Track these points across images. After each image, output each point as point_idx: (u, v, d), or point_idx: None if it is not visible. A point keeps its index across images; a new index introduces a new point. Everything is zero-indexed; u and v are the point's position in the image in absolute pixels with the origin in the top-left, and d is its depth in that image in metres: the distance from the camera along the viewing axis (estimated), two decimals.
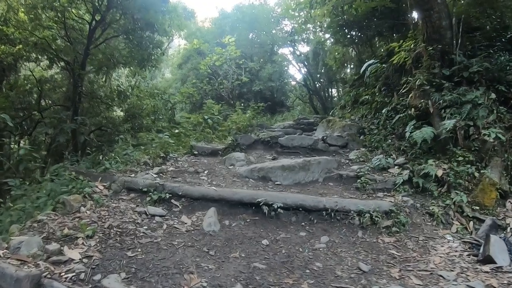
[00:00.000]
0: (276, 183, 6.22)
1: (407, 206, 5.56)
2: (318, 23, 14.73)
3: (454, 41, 7.50)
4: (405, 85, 7.76)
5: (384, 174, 6.65)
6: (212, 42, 18.07)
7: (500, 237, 4.65)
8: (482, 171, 5.92)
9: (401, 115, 7.59)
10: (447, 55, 7.48)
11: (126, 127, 12.76)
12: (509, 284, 3.74)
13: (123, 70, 14.59)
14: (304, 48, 22.17)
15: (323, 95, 21.32)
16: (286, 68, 22.18)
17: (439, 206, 5.63)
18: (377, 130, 8.51)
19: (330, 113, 14.27)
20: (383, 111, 8.53)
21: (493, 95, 6.63)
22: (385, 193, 6.06)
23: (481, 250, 4.45)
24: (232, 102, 14.77)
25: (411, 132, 6.92)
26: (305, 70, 21.70)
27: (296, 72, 23.20)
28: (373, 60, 9.17)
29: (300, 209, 5.15)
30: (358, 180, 6.34)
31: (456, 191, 5.81)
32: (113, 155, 7.17)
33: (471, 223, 5.39)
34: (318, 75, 21.40)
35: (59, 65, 11.80)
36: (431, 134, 6.52)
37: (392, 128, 8.02)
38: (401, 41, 8.24)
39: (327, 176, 6.62)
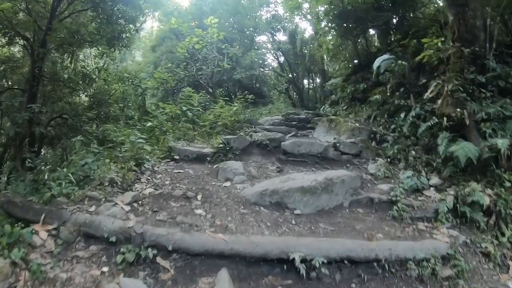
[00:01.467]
0: (296, 212, 4.89)
1: (459, 244, 4.67)
2: (311, 10, 13.64)
3: (487, 45, 6.57)
4: (432, 89, 6.64)
5: (420, 198, 5.57)
6: (191, 24, 16.26)
7: None
8: None
9: (430, 123, 6.47)
10: (479, 59, 6.52)
11: (91, 115, 10.92)
12: None
13: (91, 50, 12.57)
14: (283, 37, 21.53)
15: (300, 87, 20.51)
16: (265, 56, 21.23)
17: (492, 243, 4.78)
18: (395, 137, 7.40)
19: (322, 109, 13.20)
20: (402, 115, 7.42)
21: None
22: (426, 224, 5.07)
23: None
24: (211, 90, 13.24)
25: (446, 146, 5.94)
26: (283, 59, 20.99)
27: (273, 61, 22.36)
28: (388, 55, 7.98)
29: (346, 261, 3.89)
30: (394, 207, 5.23)
31: (506, 223, 5.06)
32: (64, 171, 4.90)
33: None
34: (296, 66, 20.65)
35: (18, 42, 9.88)
36: (475, 152, 5.51)
37: (416, 137, 6.93)
38: (433, 38, 7.08)
39: (354, 200, 5.42)
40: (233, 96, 16.39)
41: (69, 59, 11.08)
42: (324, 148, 7.13)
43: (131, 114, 11.76)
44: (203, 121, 9.19)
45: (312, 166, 6.78)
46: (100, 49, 11.34)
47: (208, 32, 12.77)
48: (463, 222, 5.16)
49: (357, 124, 8.16)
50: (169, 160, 6.64)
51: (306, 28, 21.47)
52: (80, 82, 10.74)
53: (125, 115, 11.44)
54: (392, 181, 6.14)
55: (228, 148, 6.99)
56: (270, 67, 20.80)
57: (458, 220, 5.17)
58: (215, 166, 6.38)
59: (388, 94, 8.26)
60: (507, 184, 5.29)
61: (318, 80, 21.27)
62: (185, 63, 13.95)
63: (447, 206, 5.16)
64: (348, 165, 6.91)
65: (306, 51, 20.38)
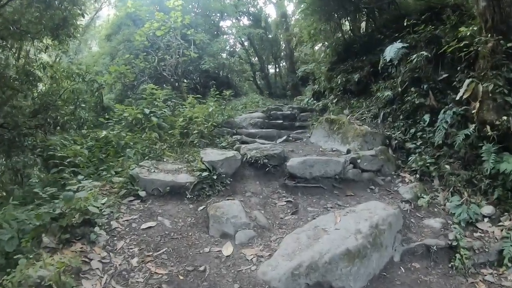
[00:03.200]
0: None
1: None
2: None
3: None
4: (466, 88, 5.53)
5: (476, 235, 4.58)
6: (150, 8, 14.35)
7: None
8: None
9: (468, 132, 5.37)
10: None
11: (35, 124, 8.95)
12: None
13: (39, 43, 10.41)
14: (247, 22, 20.13)
15: (267, 73, 19.53)
16: (232, 43, 19.77)
17: None
18: (419, 145, 6.22)
19: (306, 102, 11.87)
20: (425, 118, 6.26)
21: None
22: (490, 270, 4.23)
23: None
24: (177, 84, 11.58)
25: (494, 163, 4.93)
26: (249, 45, 19.87)
27: (239, 48, 20.89)
28: (401, 44, 6.73)
29: None
30: (457, 256, 4.19)
31: None
32: None
33: None
34: (262, 51, 19.57)
35: None
36: None
37: (448, 146, 5.79)
38: (464, 28, 5.91)
39: (405, 250, 4.25)
40: (199, 87, 14.98)
41: (15, 55, 9.12)
42: (341, 166, 5.77)
43: (85, 117, 9.98)
44: (172, 127, 7.48)
45: (330, 193, 5.46)
46: (44, 41, 9.33)
47: (171, 16, 11.06)
48: None
49: (369, 128, 6.87)
50: (132, 199, 4.74)
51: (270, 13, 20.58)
52: (24, 82, 8.82)
53: (78, 118, 9.67)
54: (436, 210, 5.06)
55: (214, 177, 5.26)
56: (237, 55, 19.32)
57: None
58: (200, 208, 4.71)
59: (400, 89, 7.06)
60: None
61: (285, 66, 20.35)
62: (145, 53, 12.19)
63: None
64: (372, 186, 5.69)
65: (271, 36, 19.34)
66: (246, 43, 20.10)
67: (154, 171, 5.31)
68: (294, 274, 3.39)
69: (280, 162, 5.94)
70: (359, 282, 3.66)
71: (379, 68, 7.64)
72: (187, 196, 4.95)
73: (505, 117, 5.09)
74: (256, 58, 20.21)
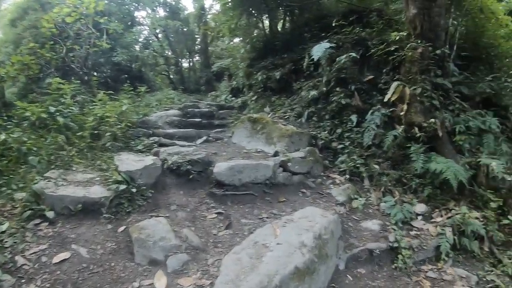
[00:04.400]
0: None
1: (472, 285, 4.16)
2: None
3: (448, 46, 5.97)
4: (394, 91, 5.70)
5: (412, 233, 4.69)
6: None
7: None
8: (510, 218, 4.85)
9: (396, 133, 5.56)
10: (441, 61, 5.89)
11: None
12: None
13: None
14: (163, 13, 19.30)
15: (181, 68, 18.95)
16: (146, 34, 18.72)
17: (496, 275, 4.38)
18: (346, 145, 6.23)
19: (224, 99, 11.55)
20: (352, 118, 6.33)
21: None
22: (430, 266, 4.37)
23: None
24: (86, 78, 10.48)
25: (423, 163, 5.16)
26: (163, 37, 19.06)
27: (153, 40, 19.70)
28: (329, 43, 6.74)
29: None
30: (399, 256, 4.23)
31: (498, 248, 4.73)
32: None
33: None
34: (177, 45, 18.84)
35: None
36: (465, 174, 4.88)
37: (376, 147, 5.92)
38: (396, 32, 6.10)
39: (349, 257, 4.14)
40: (110, 81, 13.88)
41: None
42: (272, 170, 5.41)
43: None
44: (81, 128, 6.36)
45: (262, 200, 5.08)
46: None
47: (83, 1, 9.99)
48: (461, 254, 4.61)
49: (295, 128, 6.67)
50: (38, 221, 3.85)
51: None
52: None
53: None
54: (371, 211, 5.09)
55: (133, 189, 4.48)
56: (151, 48, 18.35)
57: (456, 253, 4.60)
58: (121, 230, 3.95)
59: (325, 89, 7.09)
60: (493, 205, 4.85)
61: (200, 61, 19.92)
62: (52, 42, 10.90)
63: (448, 242, 4.47)
64: (304, 190, 5.48)
65: (187, 29, 18.70)
66: (161, 36, 19.36)
67: (62, 184, 4.42)
68: None
69: (204, 167, 5.41)
70: None
71: (304, 66, 7.62)
72: (104, 215, 4.12)
73: (432, 120, 5.35)
74: (171, 52, 19.51)
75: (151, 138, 6.64)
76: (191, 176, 5.19)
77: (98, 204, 4.18)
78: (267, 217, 4.56)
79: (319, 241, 3.71)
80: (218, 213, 4.62)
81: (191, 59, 20.62)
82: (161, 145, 6.39)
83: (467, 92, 5.93)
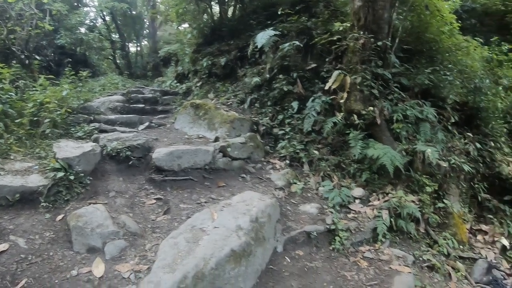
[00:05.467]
0: None
1: (409, 264, 4.38)
2: None
3: (390, 38, 6.14)
4: (335, 79, 5.79)
5: (350, 216, 4.83)
6: None
7: None
8: (445, 202, 5.27)
9: (336, 120, 5.66)
10: (383, 53, 6.06)
11: None
12: None
13: None
14: None
15: (128, 52, 18.36)
16: (93, 16, 17.74)
17: (432, 255, 4.73)
18: (287, 131, 6.28)
19: (169, 84, 11.26)
20: (294, 105, 6.37)
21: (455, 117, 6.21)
22: (368, 247, 4.51)
23: None
24: (27, 61, 9.79)
25: (361, 149, 5.32)
26: (110, 20, 18.20)
27: (98, 23, 18.84)
28: (274, 31, 6.71)
29: None
30: (337, 238, 4.33)
31: (434, 229, 5.12)
32: None
33: (461, 265, 4.82)
34: (124, 28, 18.23)
35: None
36: (401, 160, 5.06)
37: (316, 133, 6.01)
38: (339, 23, 6.19)
39: (287, 239, 4.16)
40: (53, 65, 13.13)
41: None
42: (211, 155, 5.35)
43: None
44: (20, 115, 5.89)
45: (202, 185, 5.00)
46: None
47: None
48: (397, 235, 4.83)
49: (237, 114, 6.65)
50: None
51: None
52: None
53: None
54: (310, 195, 5.16)
55: (71, 177, 4.25)
56: (97, 31, 17.39)
57: (393, 234, 4.80)
58: (59, 218, 3.80)
59: (268, 76, 7.09)
60: (428, 189, 5.11)
61: (147, 45, 19.40)
62: None
63: (385, 224, 4.63)
64: (244, 175, 5.45)
65: (135, 12, 18.19)
66: (108, 18, 18.43)
67: (0, 173, 4.19)
68: None
69: (144, 153, 5.27)
70: (249, 281, 3.43)
71: (248, 53, 7.57)
72: (42, 204, 3.93)
73: (371, 108, 5.50)
74: (118, 35, 18.75)
75: (92, 124, 6.36)
76: (130, 162, 5.05)
77: (36, 193, 3.99)
78: (205, 202, 4.52)
79: (255, 224, 3.71)
80: (157, 198, 4.52)
81: (138, 44, 20.06)
82: (102, 131, 6.15)
83: (406, 83, 6.14)
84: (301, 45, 6.62)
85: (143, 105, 8.66)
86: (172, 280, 2.89)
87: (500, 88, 7.46)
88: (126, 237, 3.69)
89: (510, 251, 5.40)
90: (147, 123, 7.25)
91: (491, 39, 8.43)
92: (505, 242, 5.47)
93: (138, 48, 20.21)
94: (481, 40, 7.87)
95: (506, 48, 8.16)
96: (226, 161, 5.53)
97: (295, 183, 5.26)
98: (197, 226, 3.64)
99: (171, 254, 3.21)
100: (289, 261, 3.94)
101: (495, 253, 5.36)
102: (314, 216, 4.62)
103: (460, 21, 7.39)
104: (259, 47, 6.78)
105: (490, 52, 8.00)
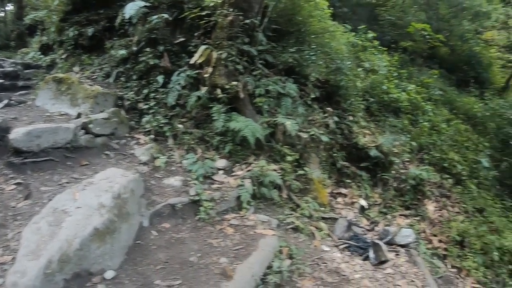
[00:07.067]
0: (107, 275, 3.24)
1: (274, 228, 4.76)
2: None
3: (259, 18, 6.36)
4: (201, 54, 5.86)
5: (214, 186, 5.03)
6: None
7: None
8: (306, 169, 5.80)
9: (200, 94, 5.77)
10: (251, 30, 6.26)
11: None
12: None
13: None
14: None
15: None
16: None
17: (296, 217, 5.20)
18: (151, 106, 6.17)
19: (32, 56, 10.12)
20: (159, 79, 6.24)
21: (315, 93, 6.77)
22: (233, 215, 4.78)
23: (371, 254, 5.11)
24: None
25: (224, 122, 5.54)
26: None
27: None
28: (143, 2, 6.45)
29: None
30: (201, 209, 4.50)
31: (296, 194, 5.59)
32: None
33: (324, 225, 5.39)
34: None
35: None
36: (262, 132, 5.47)
37: (180, 107, 6.04)
38: None
39: (152, 213, 4.19)
40: None
41: None
42: (72, 133, 5.05)
43: None
44: None
45: (64, 165, 4.72)
46: None
47: None
48: (262, 202, 5.20)
49: (101, 89, 6.28)
50: None
51: None
52: None
53: None
54: (174, 168, 5.23)
55: None
56: None
57: (257, 201, 5.15)
58: None
59: (135, 49, 6.86)
60: (289, 158, 5.55)
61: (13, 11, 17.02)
62: None
63: (248, 192, 4.93)
64: (108, 152, 5.28)
65: None
66: None
67: None
68: (47, 274, 2.85)
69: (2, 135, 4.74)
70: (117, 258, 3.42)
71: (116, 24, 7.23)
72: None
73: (235, 82, 5.71)
74: None
75: None
76: None
77: None
78: (67, 182, 4.32)
79: (118, 201, 3.69)
80: (17, 183, 4.18)
81: (2, 9, 17.62)
82: None
83: (272, 60, 6.51)
84: (170, 18, 6.49)
85: (2, 81, 7.63)
86: (37, 266, 2.83)
87: (361, 69, 8.27)
88: None
89: (368, 210, 6.19)
90: (5, 101, 6.48)
91: (359, 27, 9.31)
92: (363, 202, 6.25)
93: (2, 14, 17.76)
94: (350, 27, 8.63)
95: (371, 36, 9.08)
96: (88, 138, 5.28)
97: (159, 157, 5.26)
98: (59, 208, 3.51)
99: (34, 240, 3.10)
100: (156, 234, 4.01)
101: (354, 212, 6.08)
102: (178, 188, 4.71)
103: (333, 8, 7.97)
104: (127, 18, 6.50)
105: (356, 38, 8.80)
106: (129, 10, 6.37)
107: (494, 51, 17.05)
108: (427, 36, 11.51)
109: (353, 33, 9.29)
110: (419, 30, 11.46)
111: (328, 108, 6.98)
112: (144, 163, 5.09)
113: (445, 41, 12.44)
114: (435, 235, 6.06)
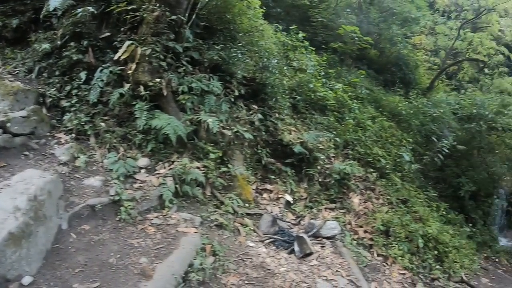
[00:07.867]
0: (24, 281, 3.24)
1: (198, 226, 4.85)
2: None
3: (187, 14, 6.37)
4: (125, 49, 5.79)
5: (135, 186, 5.05)
6: None
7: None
8: (229, 166, 5.93)
9: (123, 91, 5.70)
10: (177, 27, 6.25)
11: None
12: None
13: None
14: None
15: None
16: None
17: (219, 215, 5.32)
18: (73, 103, 5.93)
19: None
20: (82, 75, 6.05)
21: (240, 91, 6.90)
22: (156, 214, 4.80)
23: (296, 248, 5.33)
24: None
25: (146, 119, 5.49)
26: None
27: None
28: None
29: None
30: (122, 209, 4.51)
31: (220, 191, 5.72)
32: None
33: (248, 221, 5.57)
34: None
35: None
36: (184, 130, 5.53)
37: (103, 105, 5.91)
38: None
39: (71, 215, 4.17)
40: None
41: None
42: None
43: None
44: None
45: None
46: None
47: None
48: (184, 200, 5.25)
49: (22, 85, 5.99)
50: None
51: None
52: None
53: None
54: (95, 168, 5.15)
55: None
56: None
57: (180, 200, 5.21)
58: None
59: (59, 43, 6.63)
60: (212, 155, 5.66)
61: None
62: None
63: (170, 190, 4.98)
64: (27, 152, 5.09)
65: None
66: None
67: None
68: None
69: None
70: (34, 263, 3.40)
71: (41, 16, 6.94)
72: None
73: (158, 79, 5.71)
74: None
75: None
76: None
77: None
78: None
79: (35, 203, 3.64)
80: None
81: None
82: None
83: (198, 57, 6.52)
84: (96, 12, 6.30)
85: None
86: None
87: (289, 68, 8.50)
88: None
89: (293, 205, 6.47)
90: None
91: (291, 27, 9.56)
92: (289, 198, 6.51)
93: None
94: (281, 27, 8.84)
95: (302, 36, 9.40)
96: (6, 138, 5.07)
97: (80, 157, 5.14)
98: None
99: None
100: (75, 237, 4.01)
101: (280, 208, 6.33)
102: (98, 189, 4.69)
103: (266, 8, 8.11)
104: (51, 9, 6.24)
105: (287, 38, 9.05)
106: (54, 2, 6.08)
107: (421, 54, 18.33)
108: (357, 38, 12.09)
109: (285, 33, 9.55)
110: (349, 32, 12.04)
111: (254, 106, 7.18)
112: (64, 163, 4.99)
113: (374, 44, 13.19)
114: (360, 226, 6.46)
